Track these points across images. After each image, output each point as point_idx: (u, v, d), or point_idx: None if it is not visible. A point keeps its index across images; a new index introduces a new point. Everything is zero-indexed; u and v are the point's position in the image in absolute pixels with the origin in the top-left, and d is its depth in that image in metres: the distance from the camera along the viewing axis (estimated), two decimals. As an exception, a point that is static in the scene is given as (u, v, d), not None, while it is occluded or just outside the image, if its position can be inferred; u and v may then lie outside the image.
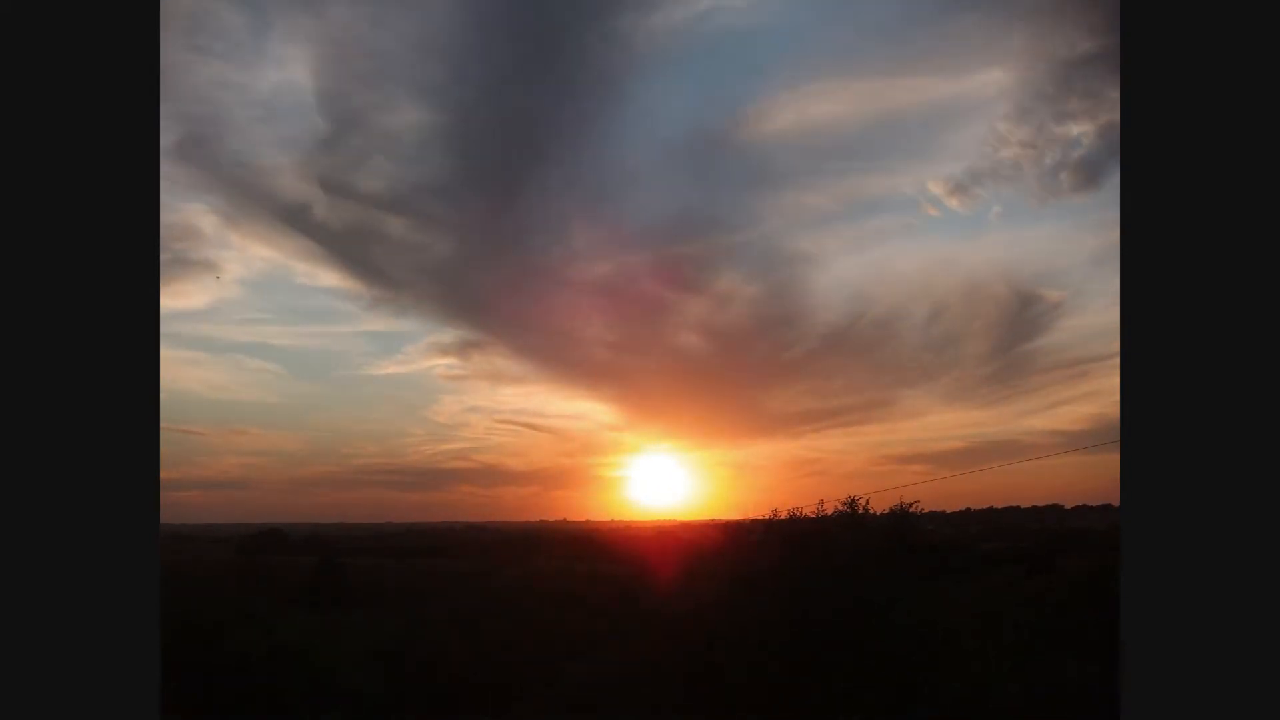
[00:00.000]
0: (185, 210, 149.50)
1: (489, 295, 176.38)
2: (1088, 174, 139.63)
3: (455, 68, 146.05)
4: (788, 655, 15.34)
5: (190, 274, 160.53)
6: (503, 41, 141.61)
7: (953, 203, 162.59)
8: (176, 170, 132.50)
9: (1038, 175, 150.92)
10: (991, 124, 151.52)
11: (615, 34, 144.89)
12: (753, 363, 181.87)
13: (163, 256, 5.95)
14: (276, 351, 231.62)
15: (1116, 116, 5.63)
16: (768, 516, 22.11)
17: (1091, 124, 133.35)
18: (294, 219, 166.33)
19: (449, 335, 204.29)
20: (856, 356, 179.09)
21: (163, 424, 5.67)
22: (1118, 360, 5.48)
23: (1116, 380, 5.49)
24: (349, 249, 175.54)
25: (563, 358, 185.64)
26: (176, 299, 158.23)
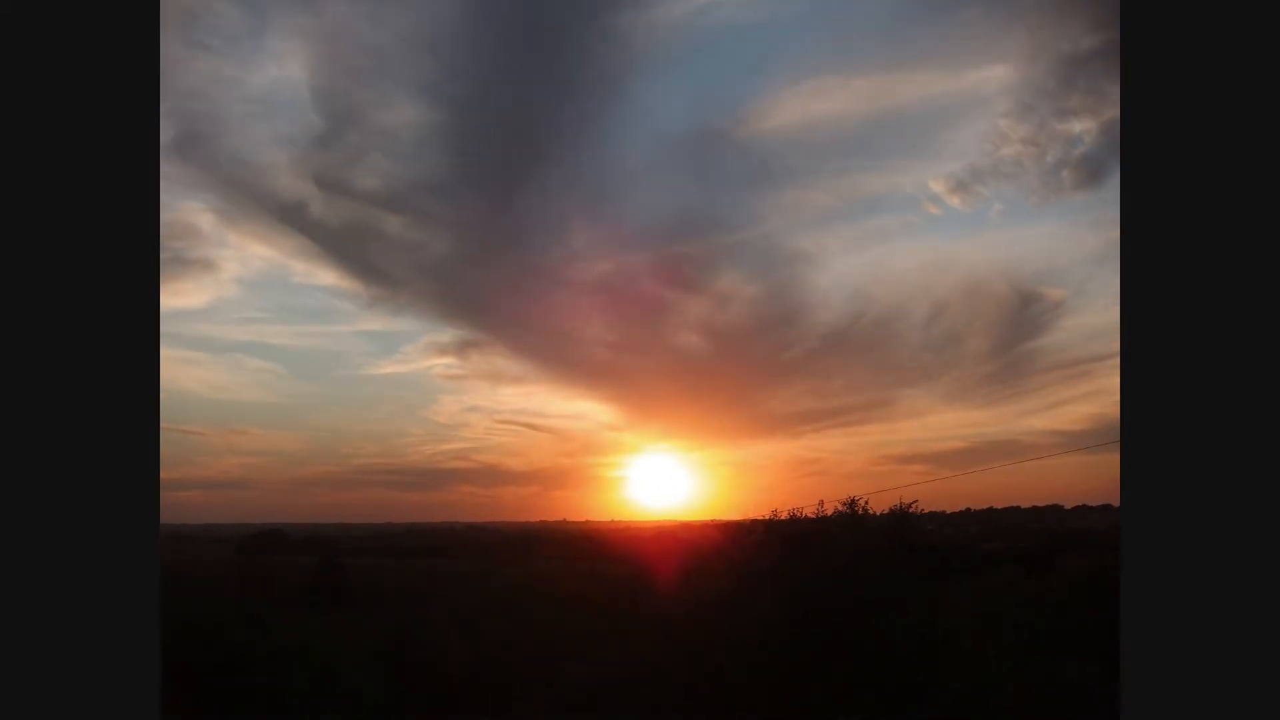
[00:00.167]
0: (182, 208, 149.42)
1: (488, 294, 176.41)
2: (1089, 171, 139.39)
3: (452, 64, 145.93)
4: (788, 655, 15.34)
5: (188, 273, 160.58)
6: (501, 38, 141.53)
7: (954, 201, 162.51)
8: (173, 168, 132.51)
9: (1039, 173, 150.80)
10: (993, 121, 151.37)
11: (615, 31, 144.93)
12: (753, 362, 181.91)
13: (161, 255, 5.96)
14: (276, 351, 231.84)
15: (1118, 113, 5.62)
16: (768, 517, 22.10)
17: (1094, 121, 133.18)
18: (291, 217, 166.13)
19: (448, 335, 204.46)
20: (857, 356, 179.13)
21: (163, 424, 5.67)
22: (1118, 360, 5.48)
23: (1117, 380, 5.49)
24: (346, 247, 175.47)
25: (562, 357, 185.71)
26: (175, 298, 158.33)
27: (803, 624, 15.61)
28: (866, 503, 20.15)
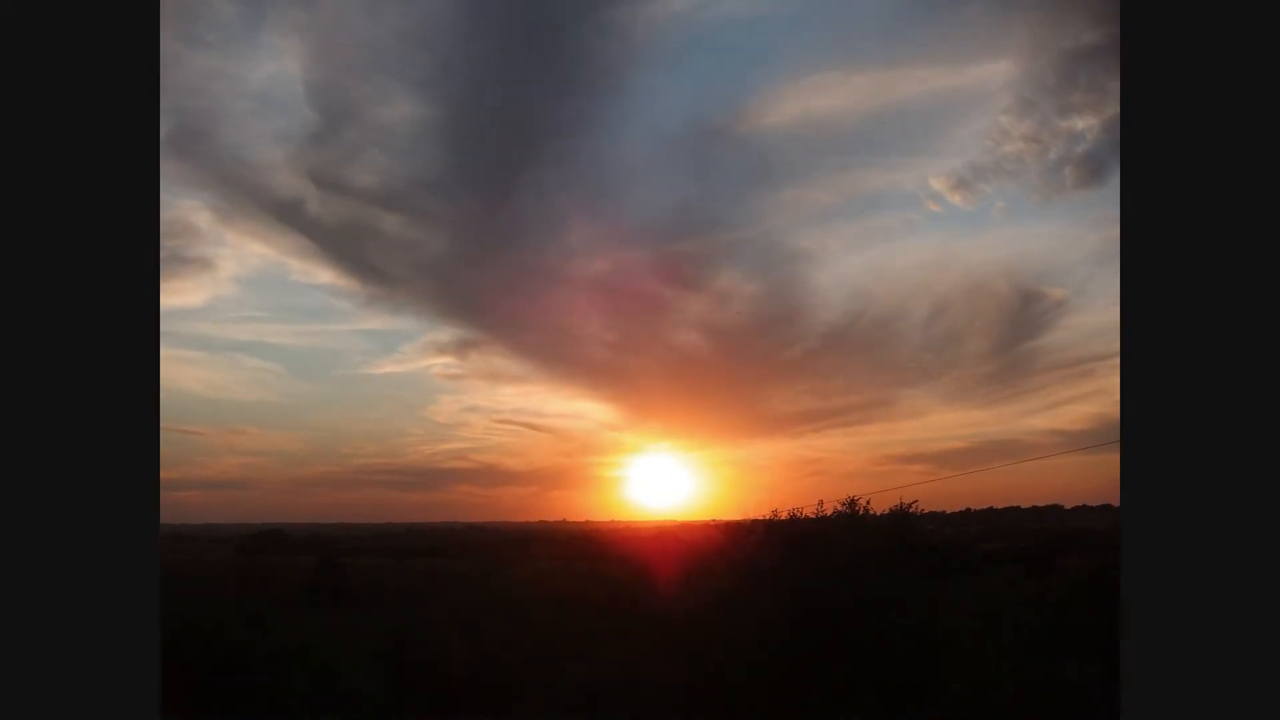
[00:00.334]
0: (180, 206, 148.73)
1: (486, 293, 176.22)
2: (1091, 169, 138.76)
3: (449, 60, 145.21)
4: (788, 655, 15.34)
5: (186, 271, 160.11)
6: (498, 32, 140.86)
7: (955, 198, 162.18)
8: (170, 165, 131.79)
9: (1041, 170, 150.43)
10: (994, 117, 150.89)
11: (613, 25, 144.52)
12: (753, 362, 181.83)
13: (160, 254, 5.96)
14: (275, 350, 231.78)
15: (1119, 110, 5.62)
16: (768, 517, 22.11)
17: (1096, 117, 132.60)
18: (288, 215, 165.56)
19: (446, 334, 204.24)
20: (857, 355, 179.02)
21: (162, 424, 5.67)
22: (1118, 360, 5.48)
23: (1118, 380, 5.49)
24: (343, 246, 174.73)
25: (561, 356, 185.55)
26: (173, 297, 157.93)
27: (803, 624, 15.61)
28: (867, 503, 20.16)
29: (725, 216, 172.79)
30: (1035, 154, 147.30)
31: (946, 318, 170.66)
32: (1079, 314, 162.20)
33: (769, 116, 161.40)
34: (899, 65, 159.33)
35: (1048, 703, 13.80)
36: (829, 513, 20.39)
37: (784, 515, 21.20)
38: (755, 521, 23.82)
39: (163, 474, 5.86)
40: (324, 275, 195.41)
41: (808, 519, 20.64)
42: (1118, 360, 5.48)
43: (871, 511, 20.09)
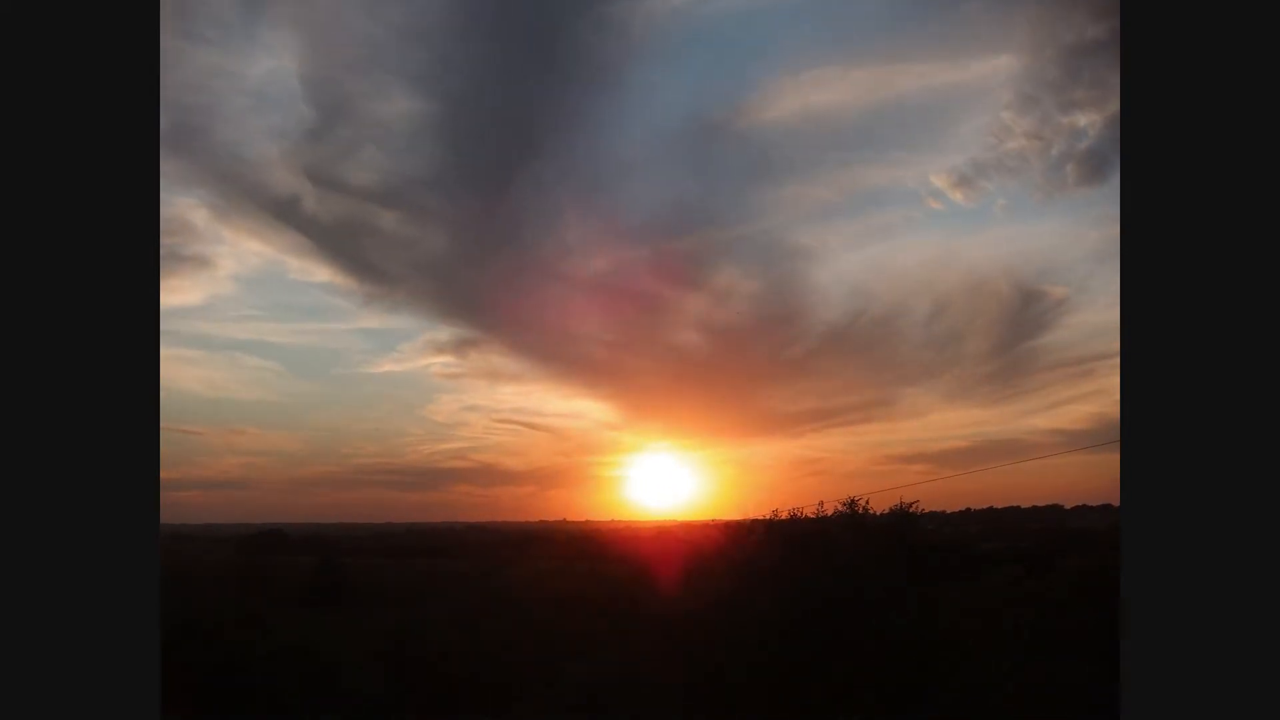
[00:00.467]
0: (178, 204, 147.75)
1: (484, 291, 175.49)
2: (1094, 166, 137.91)
3: (445, 55, 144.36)
4: (788, 655, 15.35)
5: (184, 270, 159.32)
6: (495, 28, 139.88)
7: (956, 195, 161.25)
8: (168, 162, 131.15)
9: (1043, 167, 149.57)
10: (996, 114, 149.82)
11: (610, 20, 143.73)
12: (752, 361, 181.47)
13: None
14: (274, 349, 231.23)
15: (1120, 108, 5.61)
16: (768, 516, 22.16)
17: (1098, 114, 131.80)
18: (285, 213, 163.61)
19: (445, 333, 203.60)
20: (857, 354, 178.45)
21: (162, 424, 5.67)
22: (1119, 359, 5.48)
23: (1118, 379, 5.49)
24: (341, 244, 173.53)
25: (560, 355, 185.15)
26: (171, 295, 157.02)
27: (803, 624, 15.62)
28: (867, 503, 20.21)
29: (724, 213, 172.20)
30: (1037, 151, 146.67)
31: (947, 316, 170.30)
32: (1080, 313, 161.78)
33: (768, 112, 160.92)
34: (899, 60, 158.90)
35: (1048, 703, 13.80)
36: (829, 513, 20.45)
37: (784, 515, 21.27)
38: (755, 521, 23.88)
39: (163, 474, 5.87)
40: (321, 273, 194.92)
41: (808, 519, 20.69)
42: (1118, 360, 5.49)
43: (872, 511, 20.14)
